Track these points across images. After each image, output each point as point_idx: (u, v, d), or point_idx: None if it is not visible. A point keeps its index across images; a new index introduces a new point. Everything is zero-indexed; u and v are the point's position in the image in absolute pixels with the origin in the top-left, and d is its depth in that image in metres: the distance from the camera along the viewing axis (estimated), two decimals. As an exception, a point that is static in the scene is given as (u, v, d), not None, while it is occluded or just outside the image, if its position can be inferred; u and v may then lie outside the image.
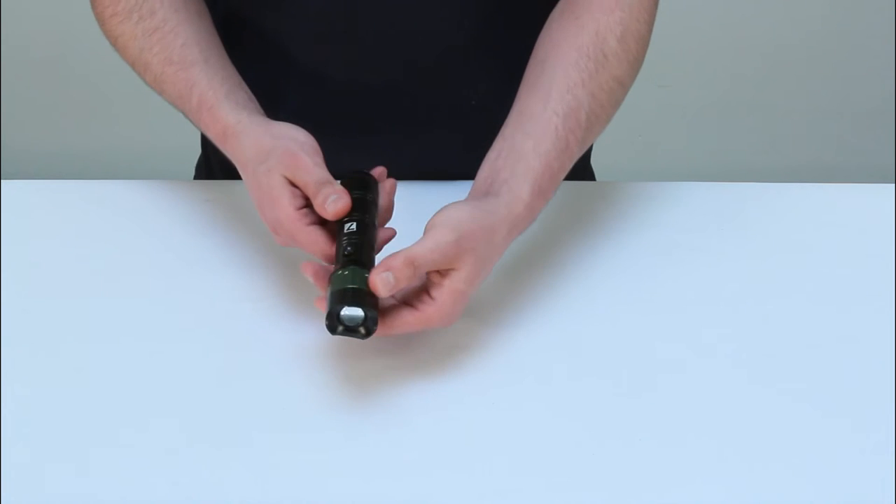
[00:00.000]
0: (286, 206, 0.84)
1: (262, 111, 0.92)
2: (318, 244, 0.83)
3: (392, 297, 0.84)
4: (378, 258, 0.84)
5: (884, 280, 0.95)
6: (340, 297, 0.80)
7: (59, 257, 0.96)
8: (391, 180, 0.91)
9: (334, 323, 0.79)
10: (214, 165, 1.17)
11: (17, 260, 0.95)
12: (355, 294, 0.79)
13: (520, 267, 0.95)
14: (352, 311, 0.79)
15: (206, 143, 1.20)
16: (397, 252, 0.81)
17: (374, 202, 0.87)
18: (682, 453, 0.81)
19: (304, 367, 0.86)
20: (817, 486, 0.79)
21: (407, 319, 0.83)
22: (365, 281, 0.80)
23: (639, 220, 1.01)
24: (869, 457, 0.81)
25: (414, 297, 0.84)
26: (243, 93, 0.93)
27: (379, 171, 0.91)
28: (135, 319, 0.90)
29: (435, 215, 0.83)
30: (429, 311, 0.82)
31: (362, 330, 0.80)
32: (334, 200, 0.82)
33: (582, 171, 1.20)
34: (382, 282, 0.79)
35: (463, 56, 1.04)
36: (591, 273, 0.95)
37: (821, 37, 2.17)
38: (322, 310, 0.81)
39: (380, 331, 0.81)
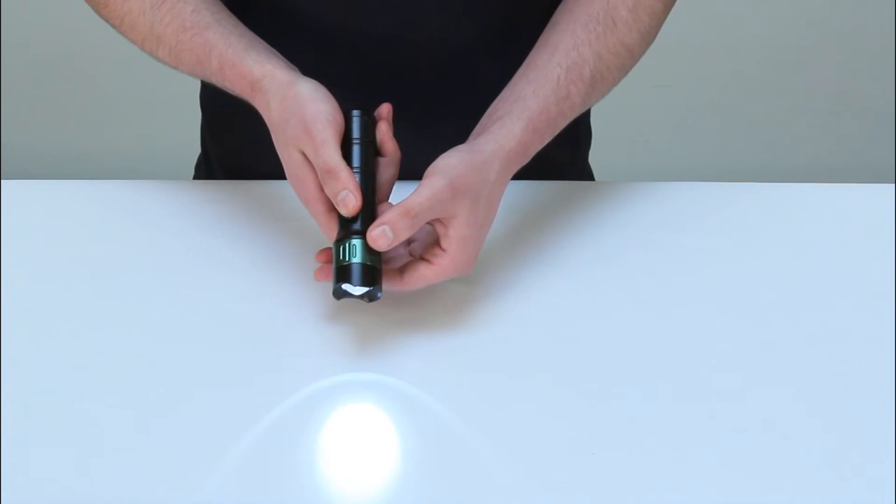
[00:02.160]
0: (310, 187, 0.86)
1: (286, 60, 0.91)
2: (332, 233, 0.86)
3: (410, 253, 0.88)
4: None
5: (884, 280, 0.95)
6: (344, 273, 0.83)
7: (59, 257, 0.96)
8: (385, 113, 0.91)
9: (339, 296, 0.83)
10: (214, 165, 1.17)
11: (17, 260, 0.95)
12: (358, 270, 0.83)
13: (519, 266, 0.95)
14: (354, 290, 0.83)
15: (205, 142, 1.20)
16: (394, 206, 0.84)
17: (373, 141, 0.88)
18: (682, 454, 0.81)
19: (305, 368, 0.86)
20: (817, 486, 0.79)
21: (424, 274, 0.86)
22: (367, 255, 0.83)
23: (638, 220, 1.01)
24: (869, 457, 0.81)
25: (427, 251, 0.86)
26: (262, 45, 0.92)
27: (386, 111, 0.91)
28: (134, 320, 0.90)
29: (429, 166, 0.85)
30: (443, 262, 0.86)
31: (366, 300, 0.83)
32: (344, 200, 0.83)
33: (580, 170, 1.20)
34: (380, 236, 0.83)
35: (464, 56, 1.03)
36: (591, 273, 0.95)
37: (821, 37, 2.17)
38: (319, 280, 0.87)
39: (400, 287, 0.86)
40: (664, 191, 1.04)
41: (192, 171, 1.24)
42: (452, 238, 0.85)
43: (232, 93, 0.92)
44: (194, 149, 1.23)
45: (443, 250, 0.85)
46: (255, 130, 1.09)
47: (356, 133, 0.87)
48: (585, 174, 1.21)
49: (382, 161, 0.89)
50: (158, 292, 0.93)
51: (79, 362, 0.87)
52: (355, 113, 0.88)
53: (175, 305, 0.92)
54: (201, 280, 0.94)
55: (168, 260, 0.96)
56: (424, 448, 0.81)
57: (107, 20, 0.99)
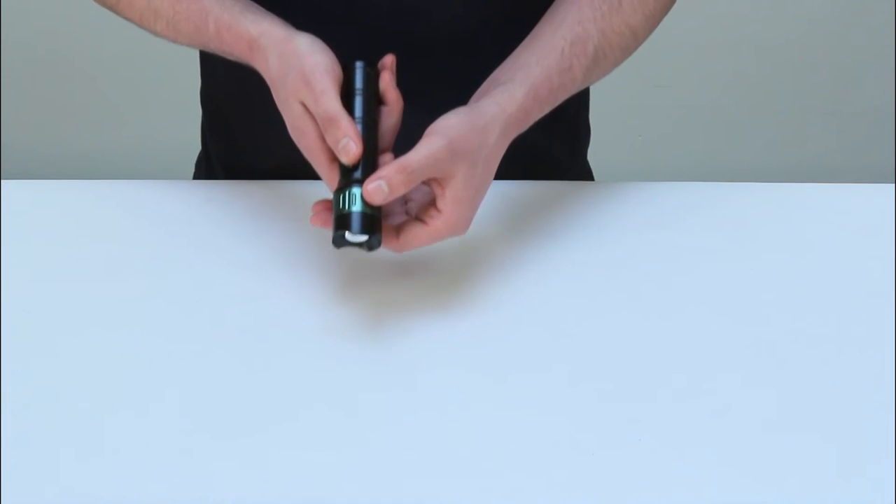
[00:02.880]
0: (312, 138, 0.86)
1: (281, 19, 0.92)
2: (334, 184, 0.86)
3: (406, 213, 0.88)
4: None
5: (884, 280, 0.95)
6: (344, 221, 0.83)
7: (59, 257, 0.96)
8: (389, 63, 0.91)
9: (339, 244, 0.84)
10: (215, 162, 1.17)
11: (17, 260, 0.95)
12: (358, 218, 0.83)
13: (519, 267, 0.95)
14: (354, 238, 0.83)
15: (206, 139, 1.20)
16: (391, 162, 0.84)
17: (376, 93, 0.89)
18: (682, 454, 0.81)
19: (304, 370, 0.86)
20: (817, 486, 0.79)
21: (418, 235, 0.86)
22: (367, 203, 0.83)
23: (638, 220, 1.01)
24: (869, 457, 0.81)
25: (423, 212, 0.87)
26: (257, 7, 0.93)
27: (389, 61, 0.91)
28: (134, 319, 0.90)
29: (430, 126, 0.86)
30: (437, 224, 0.86)
31: (365, 248, 0.84)
32: (345, 147, 0.84)
33: (579, 168, 1.20)
34: (376, 190, 0.83)
35: (467, 41, 1.03)
36: (591, 273, 0.95)
37: (820, 36, 2.17)
38: (315, 225, 0.86)
39: (395, 248, 0.86)
40: (664, 191, 1.04)
41: (192, 169, 1.24)
42: (448, 199, 0.85)
43: (231, 57, 0.93)
44: (194, 147, 1.23)
45: (438, 211, 0.86)
46: (256, 128, 1.08)
47: (359, 84, 0.88)
48: (585, 173, 1.21)
49: (385, 110, 0.89)
50: (158, 292, 0.93)
51: (79, 362, 0.87)
52: (358, 64, 0.88)
53: (175, 305, 0.92)
54: (201, 280, 0.94)
55: (168, 260, 0.96)
56: (422, 446, 0.81)
57: (102, 2, 0.99)
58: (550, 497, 0.78)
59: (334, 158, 0.85)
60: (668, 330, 0.90)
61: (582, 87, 0.95)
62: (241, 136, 1.12)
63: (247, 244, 0.97)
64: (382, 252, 0.90)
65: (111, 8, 0.99)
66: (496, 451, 0.80)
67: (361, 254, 0.87)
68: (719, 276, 0.95)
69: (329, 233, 0.85)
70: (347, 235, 0.83)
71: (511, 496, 0.78)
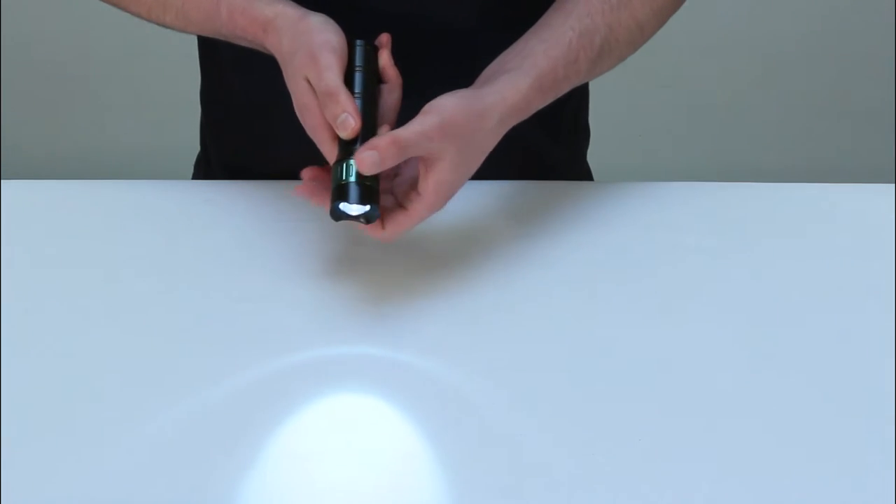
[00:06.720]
0: (316, 114, 0.86)
1: (292, 1, 0.92)
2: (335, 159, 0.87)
3: (394, 197, 0.89)
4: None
5: (884, 280, 0.95)
6: (342, 192, 0.83)
7: (59, 257, 0.96)
8: (385, 41, 0.92)
9: (336, 216, 0.84)
10: (214, 163, 1.17)
11: (17, 260, 0.95)
12: (355, 189, 0.83)
13: (518, 267, 0.95)
14: (352, 209, 0.83)
15: (205, 140, 1.20)
16: (384, 134, 0.84)
17: (375, 71, 0.90)
18: (682, 454, 0.81)
19: (303, 370, 0.86)
20: (818, 486, 0.79)
21: (401, 222, 0.87)
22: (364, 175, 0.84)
23: (638, 221, 1.01)
24: (869, 457, 0.81)
25: (404, 197, 0.87)
26: None
27: (385, 39, 0.92)
28: (134, 319, 0.90)
29: (427, 103, 0.86)
30: (417, 208, 0.87)
31: (363, 220, 0.84)
32: (343, 122, 0.84)
33: (579, 170, 1.20)
34: (369, 159, 0.83)
35: (469, 39, 1.03)
36: (591, 273, 0.95)
37: (820, 37, 2.17)
38: (296, 195, 0.88)
39: (381, 238, 0.87)
40: (664, 191, 1.04)
41: (191, 170, 1.24)
42: (430, 182, 0.85)
43: (243, 42, 0.93)
44: (194, 147, 1.23)
45: (417, 194, 0.86)
46: (255, 130, 1.08)
47: (358, 61, 0.89)
48: (584, 173, 1.21)
49: (385, 87, 0.90)
50: (158, 292, 0.93)
51: (78, 362, 0.87)
52: (358, 42, 0.90)
53: (174, 305, 0.92)
54: (201, 280, 0.94)
55: (167, 260, 0.96)
56: (422, 448, 0.81)
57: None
58: (550, 497, 0.78)
59: (337, 136, 0.86)
60: (669, 330, 0.90)
61: (586, 80, 0.95)
62: (240, 137, 1.12)
63: (245, 244, 0.97)
64: (382, 253, 0.90)
65: (116, 4, 1.00)
66: (494, 451, 0.80)
67: (361, 254, 0.87)
68: (719, 276, 0.96)
69: (325, 222, 0.85)
70: (345, 206, 0.83)
71: (509, 497, 0.78)
